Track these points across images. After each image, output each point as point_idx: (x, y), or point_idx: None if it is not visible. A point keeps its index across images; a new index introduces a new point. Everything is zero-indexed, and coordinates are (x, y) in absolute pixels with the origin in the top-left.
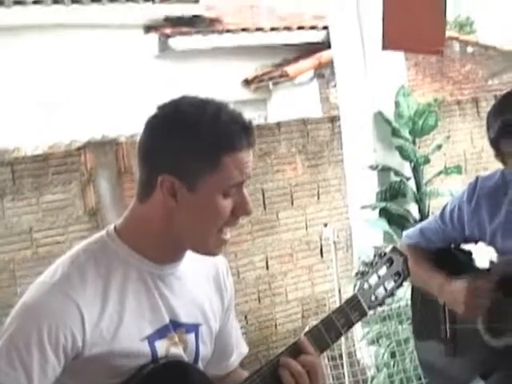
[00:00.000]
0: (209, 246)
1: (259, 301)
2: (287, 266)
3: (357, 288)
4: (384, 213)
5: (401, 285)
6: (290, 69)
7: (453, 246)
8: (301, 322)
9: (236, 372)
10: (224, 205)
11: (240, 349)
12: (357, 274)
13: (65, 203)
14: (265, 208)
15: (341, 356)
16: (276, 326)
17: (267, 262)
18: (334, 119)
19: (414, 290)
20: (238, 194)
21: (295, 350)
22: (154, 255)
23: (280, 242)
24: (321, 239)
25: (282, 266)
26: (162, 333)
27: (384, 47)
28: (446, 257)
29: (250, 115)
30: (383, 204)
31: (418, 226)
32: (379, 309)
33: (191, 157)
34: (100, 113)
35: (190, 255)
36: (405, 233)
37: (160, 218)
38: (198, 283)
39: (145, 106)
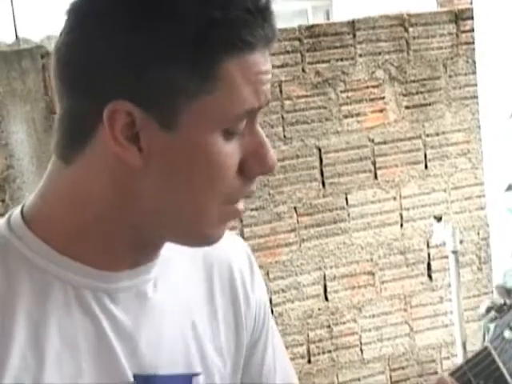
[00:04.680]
0: (206, 232)
1: (309, 359)
2: (364, 295)
3: (489, 336)
4: None
5: None
6: None
7: None
8: None
9: None
10: (226, 152)
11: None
12: (489, 309)
13: None
14: (323, 185)
15: None
16: None
17: (325, 287)
18: (460, 16)
19: None
20: (250, 132)
21: None
22: (99, 257)
23: (350, 248)
24: (428, 245)
25: (353, 295)
26: None
27: None
28: None
29: (299, 5)
30: None
31: None
32: None
33: (163, 64)
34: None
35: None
36: None
37: (107, 185)
38: (188, 296)
39: None
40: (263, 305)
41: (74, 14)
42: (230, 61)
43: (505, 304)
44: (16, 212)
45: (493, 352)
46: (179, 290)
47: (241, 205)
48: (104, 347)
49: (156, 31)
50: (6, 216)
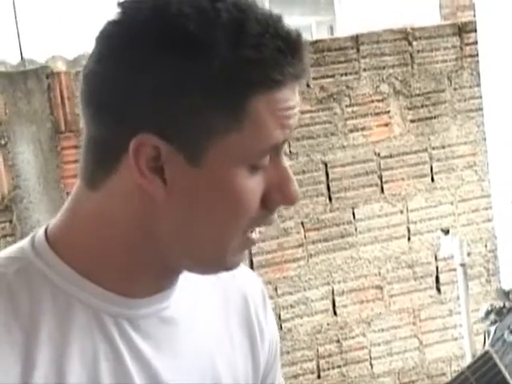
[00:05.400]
0: (227, 260)
1: (319, 375)
2: (372, 309)
3: (490, 339)
4: None
5: None
6: None
7: None
8: None
9: None
10: (251, 187)
11: None
12: (488, 313)
13: None
14: (330, 199)
15: None
16: None
17: (334, 302)
18: (463, 29)
19: None
20: (274, 165)
21: None
22: (120, 282)
23: (358, 263)
24: (436, 259)
25: (361, 309)
26: None
27: None
28: None
29: (303, 21)
30: None
31: None
32: None
33: (192, 100)
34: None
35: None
36: None
37: (131, 212)
38: (207, 326)
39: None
40: (275, 339)
41: (104, 41)
42: (259, 98)
43: (504, 307)
44: (40, 233)
45: (494, 356)
46: (198, 318)
47: (257, 232)
48: (122, 374)
49: (186, 67)
50: (30, 236)
